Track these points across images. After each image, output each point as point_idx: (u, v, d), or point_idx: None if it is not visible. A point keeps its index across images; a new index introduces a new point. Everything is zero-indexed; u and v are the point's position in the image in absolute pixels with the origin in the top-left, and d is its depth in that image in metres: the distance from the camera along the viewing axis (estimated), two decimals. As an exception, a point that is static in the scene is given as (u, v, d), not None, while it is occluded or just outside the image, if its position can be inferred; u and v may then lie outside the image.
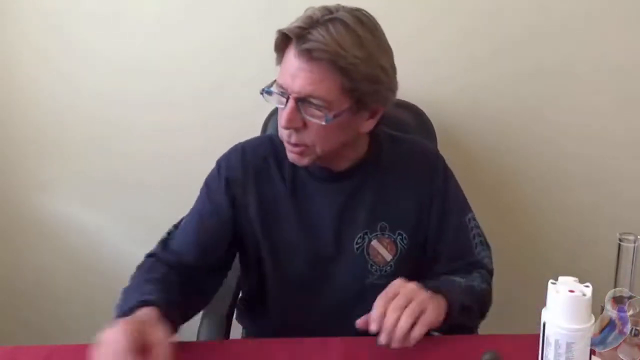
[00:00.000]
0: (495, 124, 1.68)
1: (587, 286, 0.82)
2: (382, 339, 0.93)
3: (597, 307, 0.86)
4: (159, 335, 0.89)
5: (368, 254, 1.17)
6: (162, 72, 1.65)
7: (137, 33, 1.63)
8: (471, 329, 1.19)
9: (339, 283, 1.17)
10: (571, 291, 0.81)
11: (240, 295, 1.35)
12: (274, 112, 1.50)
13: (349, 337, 1.04)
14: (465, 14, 1.60)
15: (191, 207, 1.22)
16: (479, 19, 1.60)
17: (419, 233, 1.18)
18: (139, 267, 1.16)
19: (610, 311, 0.87)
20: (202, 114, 1.68)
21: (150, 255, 1.17)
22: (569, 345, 0.81)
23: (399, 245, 1.17)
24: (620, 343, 0.87)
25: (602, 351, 0.88)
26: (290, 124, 1.04)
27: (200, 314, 1.35)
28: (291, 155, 1.11)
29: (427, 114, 1.53)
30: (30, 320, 1.84)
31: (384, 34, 1.08)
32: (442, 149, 1.50)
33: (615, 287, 0.90)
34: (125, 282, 1.78)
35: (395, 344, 0.93)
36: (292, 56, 1.03)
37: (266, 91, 1.09)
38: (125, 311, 0.99)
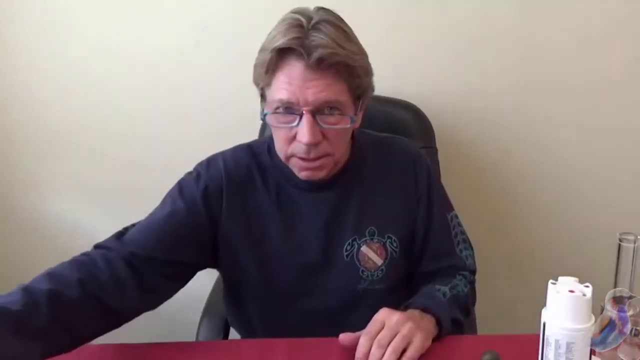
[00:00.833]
0: (495, 123, 1.68)
1: (587, 286, 0.82)
2: None
3: (597, 307, 0.86)
4: None
5: (358, 260, 1.14)
6: (160, 76, 1.65)
7: (138, 39, 1.63)
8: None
9: (331, 291, 1.14)
10: (571, 291, 0.81)
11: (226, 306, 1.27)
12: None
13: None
14: (465, 14, 1.60)
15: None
16: (479, 19, 1.60)
17: (407, 234, 1.17)
18: (76, 257, 1.06)
19: (610, 311, 0.87)
20: (200, 118, 1.68)
21: (98, 247, 1.08)
22: (569, 345, 0.81)
23: (388, 248, 1.15)
24: (620, 343, 0.87)
25: (602, 351, 0.88)
26: (315, 138, 1.01)
27: (200, 314, 1.35)
28: (307, 172, 1.07)
29: (427, 114, 1.53)
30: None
31: None
32: (442, 149, 1.51)
33: (615, 287, 0.89)
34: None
35: None
36: (296, 69, 0.99)
37: (269, 114, 1.04)
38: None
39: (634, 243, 0.88)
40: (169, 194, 1.15)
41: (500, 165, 1.72)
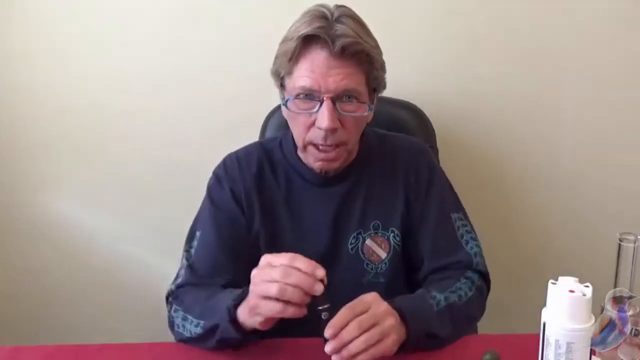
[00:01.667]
0: (495, 123, 1.68)
1: (587, 286, 0.82)
2: (330, 348, 0.90)
3: (597, 307, 0.86)
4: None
5: (363, 253, 1.17)
6: (160, 75, 1.65)
7: (138, 39, 1.63)
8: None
9: (336, 284, 1.14)
10: (571, 291, 0.81)
11: None
12: (272, 114, 1.50)
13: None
14: (466, 14, 1.60)
15: (195, 215, 1.20)
16: (480, 19, 1.60)
17: (407, 228, 1.19)
18: (181, 299, 1.09)
19: (610, 311, 0.87)
20: (200, 118, 1.67)
21: (181, 286, 1.13)
22: (569, 345, 0.81)
23: (392, 242, 1.18)
24: (620, 343, 0.87)
25: (602, 351, 0.88)
26: (334, 123, 1.05)
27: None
28: (322, 163, 1.11)
29: (427, 114, 1.53)
30: (30, 320, 1.84)
31: None
32: (442, 149, 1.51)
33: (615, 287, 0.90)
34: (125, 281, 1.80)
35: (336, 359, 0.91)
36: (319, 57, 1.04)
37: (290, 100, 1.08)
38: (235, 300, 0.96)
39: (634, 243, 0.88)
40: (205, 210, 1.18)
41: (500, 165, 1.72)
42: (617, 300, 0.88)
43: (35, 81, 1.66)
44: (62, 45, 1.63)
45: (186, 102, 1.67)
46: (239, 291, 0.98)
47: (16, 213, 1.76)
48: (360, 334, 0.90)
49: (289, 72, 1.08)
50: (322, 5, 1.08)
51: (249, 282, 1.16)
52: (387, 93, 1.21)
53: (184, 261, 1.15)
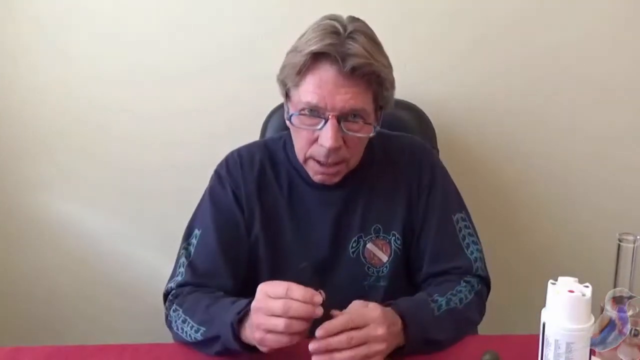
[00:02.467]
0: (495, 123, 1.68)
1: (587, 286, 0.82)
2: (313, 347, 0.90)
3: (597, 307, 0.86)
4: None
5: (364, 257, 1.17)
6: (160, 75, 1.65)
7: (138, 38, 1.63)
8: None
9: (337, 288, 1.14)
10: (571, 291, 0.81)
11: None
12: (272, 114, 1.50)
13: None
14: (467, 15, 1.60)
15: (194, 211, 1.20)
16: (481, 20, 1.60)
17: (409, 231, 1.18)
18: (181, 300, 1.09)
19: (610, 311, 0.87)
20: (200, 117, 1.67)
21: (181, 285, 1.12)
22: (568, 345, 0.81)
23: (393, 245, 1.17)
24: (620, 343, 0.87)
25: (602, 351, 0.88)
26: (337, 142, 1.04)
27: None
28: (322, 177, 1.11)
29: (427, 114, 1.53)
30: (30, 320, 1.84)
31: None
32: (442, 149, 1.51)
33: (615, 287, 0.90)
34: (124, 282, 1.80)
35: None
36: (328, 74, 1.02)
37: (295, 115, 1.07)
38: (238, 314, 0.96)
39: (634, 243, 0.88)
40: (204, 208, 1.18)
41: (500, 166, 1.72)
42: (617, 301, 0.88)
43: (35, 81, 1.66)
44: (62, 46, 1.63)
45: (186, 102, 1.67)
46: (241, 305, 0.97)
47: (16, 213, 1.76)
48: (347, 348, 0.90)
49: (296, 85, 1.06)
50: (334, 18, 1.06)
51: (246, 284, 1.16)
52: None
53: (183, 259, 1.14)
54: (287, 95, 1.11)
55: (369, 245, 1.17)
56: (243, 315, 0.95)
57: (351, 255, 1.16)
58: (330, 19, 1.05)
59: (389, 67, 1.08)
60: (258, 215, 1.16)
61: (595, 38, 1.61)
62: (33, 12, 1.61)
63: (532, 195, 1.74)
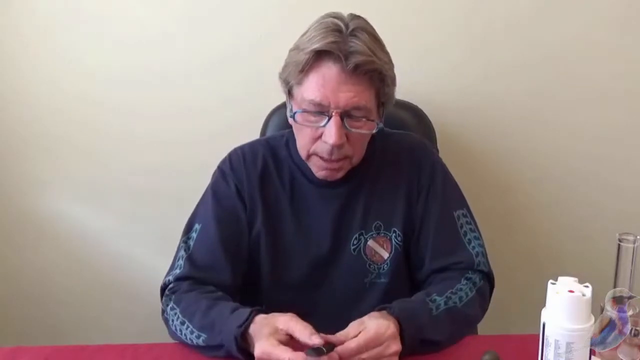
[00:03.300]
0: (495, 123, 1.68)
1: (587, 286, 0.82)
2: None
3: (597, 307, 0.86)
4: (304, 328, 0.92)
5: (365, 254, 1.17)
6: (160, 75, 1.65)
7: (138, 38, 1.63)
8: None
9: (338, 284, 1.18)
10: (571, 291, 0.81)
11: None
12: (272, 114, 1.49)
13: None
14: (467, 14, 1.60)
15: (193, 210, 1.21)
16: (481, 20, 1.60)
17: (409, 228, 1.19)
18: (179, 297, 1.09)
19: (610, 311, 0.87)
20: (200, 117, 1.67)
21: (179, 278, 1.13)
22: (568, 345, 0.81)
23: (393, 242, 1.17)
24: (620, 343, 0.87)
25: (602, 351, 0.88)
26: (340, 139, 1.05)
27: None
28: (326, 172, 1.12)
29: (427, 114, 1.53)
30: (29, 321, 1.84)
31: None
32: (442, 149, 1.51)
33: (615, 287, 0.89)
34: (124, 281, 1.80)
35: None
36: (331, 72, 1.03)
37: (298, 113, 1.08)
38: (240, 327, 0.96)
39: (634, 243, 0.88)
40: (207, 203, 1.18)
41: (500, 166, 1.72)
42: (617, 300, 0.88)
43: (35, 81, 1.66)
44: (62, 46, 1.63)
45: (186, 102, 1.67)
46: (242, 316, 0.97)
47: (16, 213, 1.76)
48: None
49: (299, 83, 1.07)
50: (336, 16, 1.06)
51: (246, 280, 1.18)
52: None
53: (182, 252, 1.15)
54: (289, 93, 1.12)
55: (370, 242, 1.17)
56: (244, 329, 0.96)
57: (352, 252, 1.17)
58: (333, 17, 1.06)
59: (390, 63, 1.09)
60: (260, 211, 1.17)
61: (595, 38, 1.61)
62: (33, 12, 1.61)
63: (532, 195, 1.74)
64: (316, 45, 1.02)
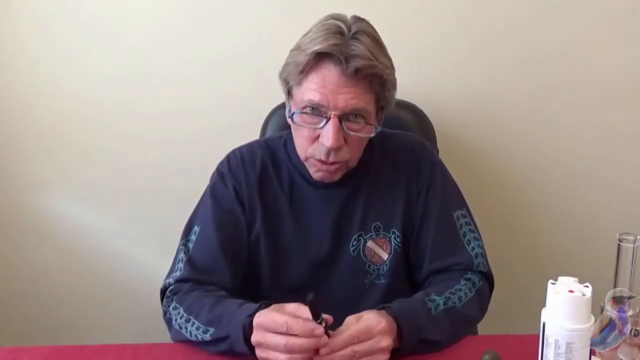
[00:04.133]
0: (495, 123, 1.68)
1: (587, 286, 0.82)
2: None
3: (597, 307, 0.86)
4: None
5: (365, 255, 1.17)
6: (160, 75, 1.65)
7: (138, 38, 1.63)
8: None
9: (338, 285, 1.17)
10: (571, 291, 0.81)
11: None
12: (272, 114, 1.49)
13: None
14: (468, 14, 1.60)
15: (194, 209, 1.21)
16: (482, 20, 1.60)
17: (408, 229, 1.18)
18: (181, 297, 1.09)
19: (610, 311, 0.87)
20: (200, 117, 1.67)
21: (180, 280, 1.12)
22: (568, 345, 0.81)
23: (393, 243, 1.17)
24: (620, 343, 0.87)
25: (602, 351, 0.88)
26: (338, 142, 1.04)
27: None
28: (323, 174, 1.11)
29: (427, 114, 1.53)
30: (29, 321, 1.84)
31: None
32: (442, 149, 1.51)
33: (615, 287, 0.89)
34: (124, 282, 1.80)
35: None
36: (331, 74, 1.03)
37: (297, 113, 1.08)
38: (250, 317, 0.96)
39: (634, 243, 0.88)
40: (205, 205, 1.18)
41: (500, 166, 1.72)
42: (617, 300, 0.88)
43: (35, 81, 1.66)
44: (62, 46, 1.63)
45: (186, 102, 1.67)
46: (251, 308, 0.98)
47: (16, 213, 1.76)
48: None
49: (299, 83, 1.07)
50: (339, 18, 1.06)
51: (246, 282, 1.18)
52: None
53: (182, 255, 1.14)
54: (289, 93, 1.12)
55: (370, 243, 1.17)
56: (253, 319, 0.96)
57: (351, 253, 1.17)
58: (335, 19, 1.06)
59: (391, 68, 1.08)
60: (259, 212, 1.17)
61: (595, 38, 1.61)
62: (33, 12, 1.61)
63: (532, 195, 1.74)
64: (317, 47, 1.02)
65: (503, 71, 1.64)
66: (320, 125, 1.05)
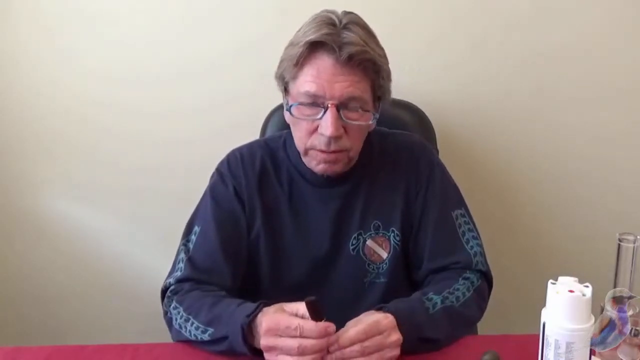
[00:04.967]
0: (495, 123, 1.68)
1: (587, 286, 0.82)
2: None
3: (597, 307, 0.86)
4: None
5: (364, 254, 1.17)
6: (160, 75, 1.65)
7: (138, 38, 1.63)
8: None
9: (337, 284, 1.18)
10: (571, 291, 0.81)
11: None
12: (272, 114, 1.49)
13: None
14: (468, 14, 1.60)
15: (194, 209, 1.21)
16: (482, 20, 1.60)
17: (407, 228, 1.19)
18: (181, 297, 1.09)
19: (610, 311, 0.87)
20: (200, 117, 1.67)
21: (180, 280, 1.12)
22: (568, 345, 0.81)
23: (392, 242, 1.18)
24: (620, 343, 0.87)
25: (602, 351, 0.88)
26: (337, 131, 1.05)
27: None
28: (324, 165, 1.11)
29: (427, 114, 1.53)
30: (30, 321, 1.84)
31: None
32: (442, 149, 1.51)
33: (615, 287, 0.90)
34: (124, 281, 1.80)
35: None
36: (326, 63, 1.04)
37: (294, 106, 1.08)
38: (248, 317, 0.96)
39: (634, 243, 0.88)
40: (205, 205, 1.18)
41: (500, 166, 1.72)
42: (617, 300, 0.88)
43: (35, 81, 1.66)
44: (62, 46, 1.63)
45: (186, 102, 1.67)
46: (250, 307, 0.98)
47: (16, 213, 1.76)
48: (361, 357, 0.92)
49: (294, 77, 1.07)
50: (330, 12, 1.08)
51: (246, 281, 1.18)
52: (387, 93, 1.22)
53: (182, 255, 1.15)
54: (285, 90, 1.12)
55: (369, 242, 1.17)
56: (252, 319, 0.96)
57: (351, 252, 1.17)
58: (326, 12, 1.08)
59: (384, 57, 1.09)
60: (259, 212, 1.17)
61: (595, 38, 1.61)
62: (33, 12, 1.61)
63: (532, 195, 1.74)
64: (310, 37, 1.03)
65: (503, 71, 1.64)
66: (319, 115, 1.06)
